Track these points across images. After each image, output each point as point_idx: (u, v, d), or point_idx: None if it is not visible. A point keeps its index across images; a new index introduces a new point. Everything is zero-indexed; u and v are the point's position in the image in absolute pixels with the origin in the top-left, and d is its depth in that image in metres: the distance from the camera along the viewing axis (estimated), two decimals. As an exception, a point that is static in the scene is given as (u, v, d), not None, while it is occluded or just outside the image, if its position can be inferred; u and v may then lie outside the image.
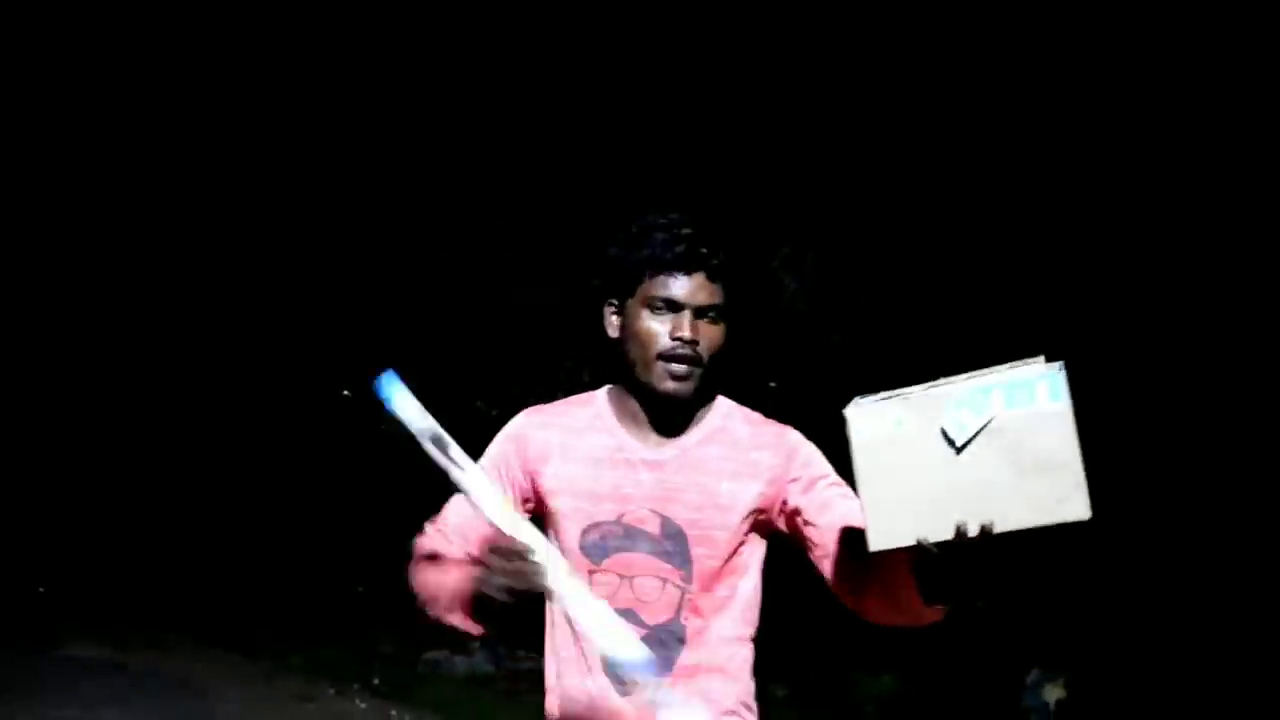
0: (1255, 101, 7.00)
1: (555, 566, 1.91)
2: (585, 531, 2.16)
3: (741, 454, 2.20)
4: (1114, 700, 6.96)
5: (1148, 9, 7.16)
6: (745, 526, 2.19)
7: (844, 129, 8.23)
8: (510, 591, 1.92)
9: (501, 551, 1.91)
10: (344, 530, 10.75)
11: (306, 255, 11.29)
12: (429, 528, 2.28)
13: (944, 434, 1.74)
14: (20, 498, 11.59)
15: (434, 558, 2.21)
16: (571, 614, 1.94)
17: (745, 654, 2.23)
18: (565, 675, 2.22)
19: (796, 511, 2.17)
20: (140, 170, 11.58)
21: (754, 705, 2.25)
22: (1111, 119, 7.40)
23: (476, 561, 2.01)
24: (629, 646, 1.91)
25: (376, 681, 8.27)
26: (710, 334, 2.14)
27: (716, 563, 2.17)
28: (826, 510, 2.13)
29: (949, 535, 1.75)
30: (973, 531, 1.75)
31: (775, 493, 2.19)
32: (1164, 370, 7.37)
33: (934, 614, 1.95)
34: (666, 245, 2.12)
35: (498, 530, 1.93)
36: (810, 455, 2.21)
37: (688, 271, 2.12)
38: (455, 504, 2.22)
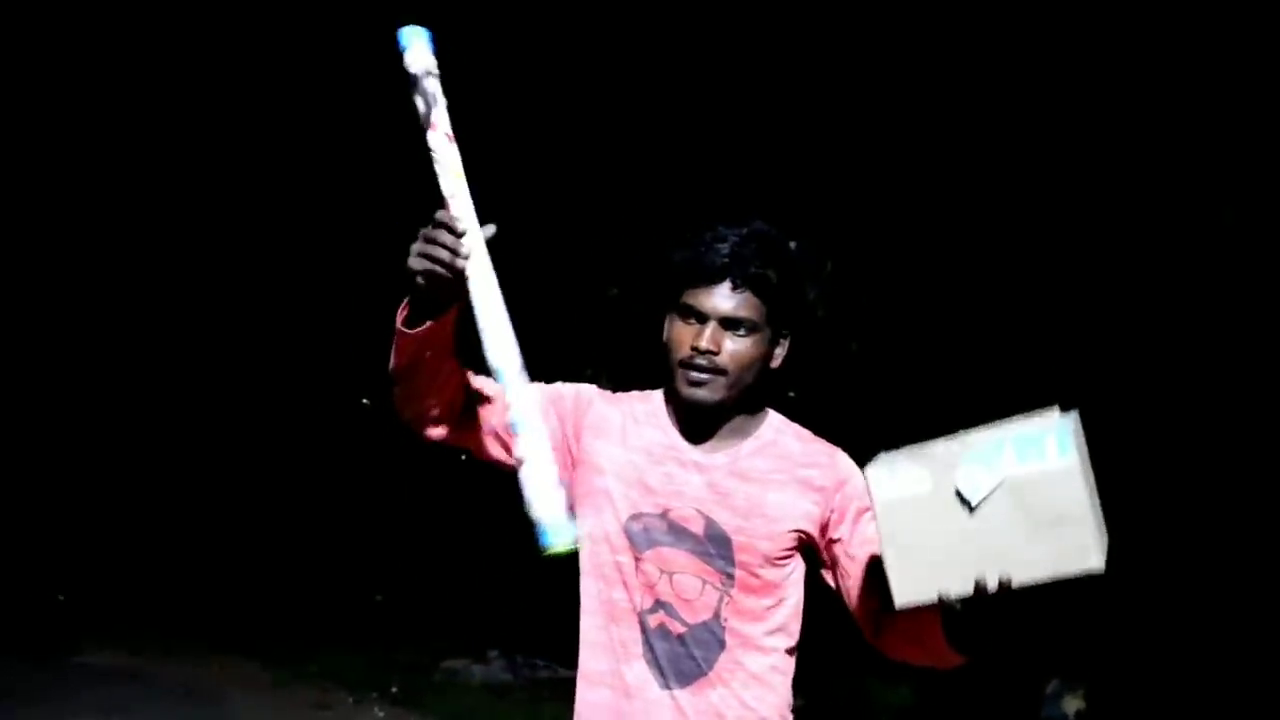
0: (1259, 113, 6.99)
1: (480, 256, 1.92)
2: (632, 518, 2.17)
3: (792, 469, 2.22)
4: (1134, 711, 6.93)
5: (1158, 15, 7.14)
6: (790, 540, 2.20)
7: (863, 138, 8.22)
8: (429, 261, 1.90)
9: (434, 221, 1.92)
10: (362, 538, 10.77)
11: (324, 263, 11.31)
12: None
13: (958, 493, 1.80)
14: (36, 505, 11.62)
15: None
16: (478, 311, 1.93)
17: (785, 665, 2.23)
18: (597, 661, 2.20)
19: (839, 540, 2.19)
20: (148, 171, 11.59)
21: (790, 718, 2.25)
22: (1129, 128, 7.38)
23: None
24: (526, 409, 1.93)
25: (394, 690, 8.26)
26: (736, 346, 2.14)
27: (760, 571, 2.18)
28: (866, 546, 2.15)
29: (969, 591, 1.82)
30: (992, 586, 1.82)
31: (822, 514, 2.20)
32: (1185, 390, 7.35)
33: (958, 659, 2.00)
34: (699, 255, 2.14)
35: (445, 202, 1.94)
36: (859, 485, 2.16)
37: (714, 282, 2.13)
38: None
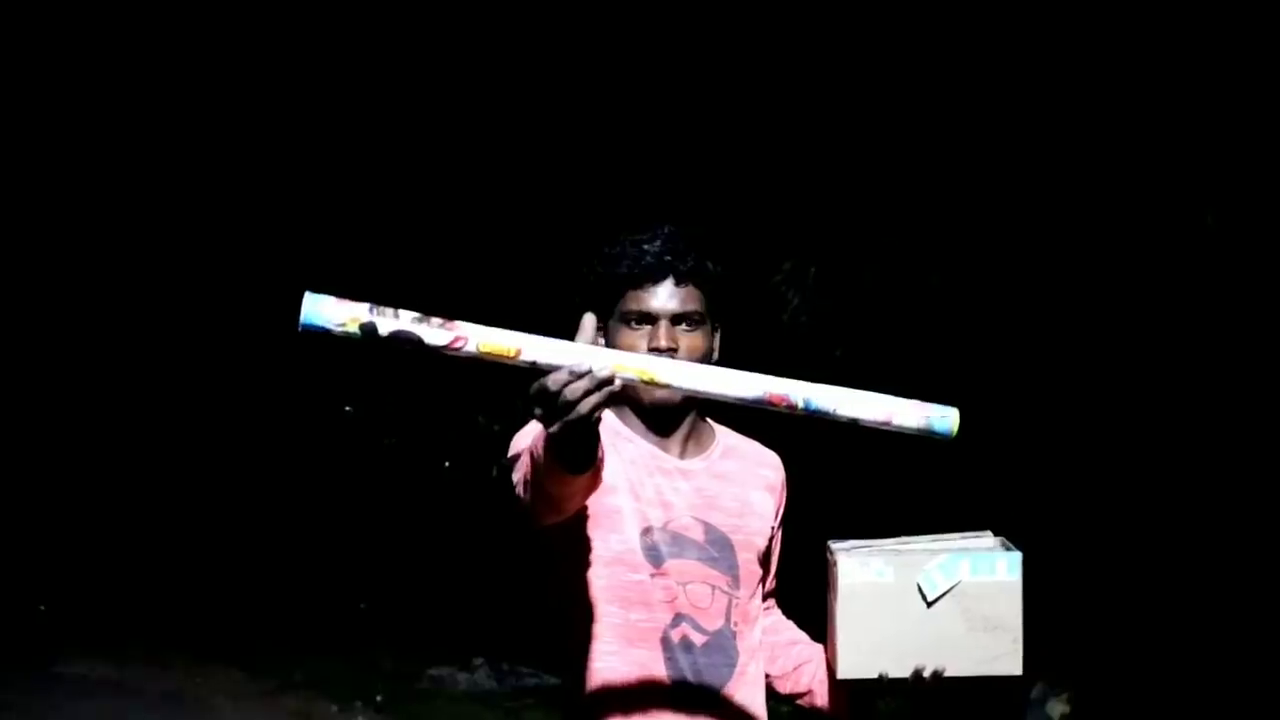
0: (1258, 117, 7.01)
1: (621, 359, 1.76)
2: (644, 533, 2.13)
3: (753, 469, 2.27)
4: (1119, 715, 6.94)
5: (1156, 23, 7.17)
6: (771, 535, 2.26)
7: (845, 144, 8.24)
8: (588, 404, 1.68)
9: (539, 393, 1.69)
10: (346, 546, 10.74)
11: (305, 270, 11.29)
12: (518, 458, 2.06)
13: (919, 588, 2.06)
14: (18, 514, 11.57)
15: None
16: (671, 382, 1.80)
17: (763, 660, 2.28)
18: (614, 688, 2.11)
19: (769, 538, 2.28)
20: (146, 172, 11.57)
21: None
22: (1119, 129, 7.40)
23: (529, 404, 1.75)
24: (734, 379, 1.83)
25: (379, 698, 8.24)
26: (690, 341, 2.13)
27: (757, 569, 2.22)
28: (774, 554, 2.32)
29: (906, 675, 2.08)
30: (926, 674, 2.08)
31: (775, 510, 2.28)
32: (1171, 387, 7.36)
33: (838, 709, 2.28)
34: (635, 259, 2.13)
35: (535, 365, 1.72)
36: (786, 498, 2.33)
37: (656, 282, 2.12)
38: (529, 434, 2.02)
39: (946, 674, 2.08)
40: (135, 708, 7.75)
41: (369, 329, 1.64)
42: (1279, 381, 7.00)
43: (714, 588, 2.13)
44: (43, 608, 10.33)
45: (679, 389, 1.81)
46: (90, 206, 11.76)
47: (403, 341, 1.67)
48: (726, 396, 1.80)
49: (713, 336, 2.18)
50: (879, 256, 8.14)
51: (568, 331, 1.78)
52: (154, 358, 12.13)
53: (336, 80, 10.47)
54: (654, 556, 2.11)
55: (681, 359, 2.06)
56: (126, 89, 11.17)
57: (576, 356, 1.69)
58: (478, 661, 8.85)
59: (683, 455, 2.19)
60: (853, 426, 1.85)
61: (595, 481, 1.90)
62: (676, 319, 2.12)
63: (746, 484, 2.22)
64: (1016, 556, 2.12)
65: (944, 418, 1.86)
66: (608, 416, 2.14)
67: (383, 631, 9.60)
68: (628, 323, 2.13)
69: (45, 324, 12.16)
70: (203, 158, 11.37)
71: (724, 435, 2.28)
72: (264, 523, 11.51)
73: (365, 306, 1.68)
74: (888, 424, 1.83)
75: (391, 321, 1.67)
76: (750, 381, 1.81)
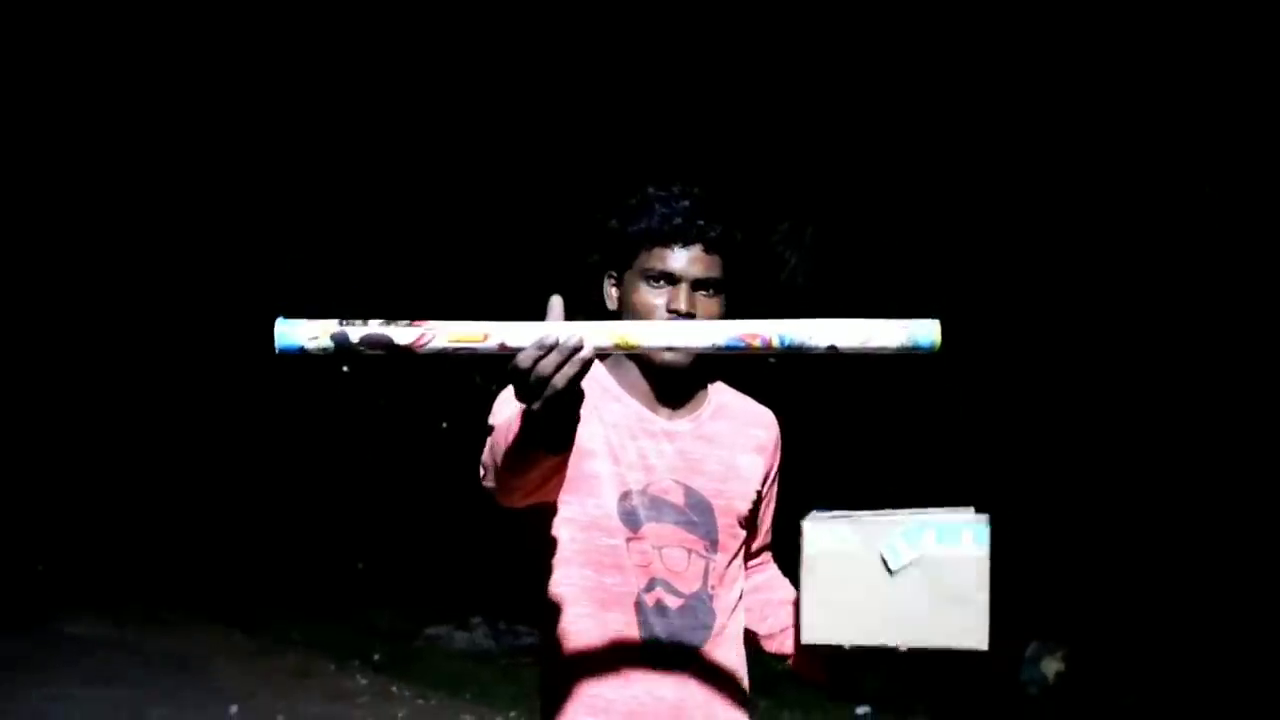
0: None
1: (588, 328, 1.73)
2: (621, 498, 2.13)
3: (744, 429, 2.25)
4: (1113, 673, 6.99)
5: (1146, 12, 7.17)
6: (755, 500, 2.24)
7: (842, 103, 8.22)
8: (563, 376, 1.68)
9: (531, 354, 1.68)
10: (343, 506, 10.77)
11: (301, 235, 11.30)
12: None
13: (882, 558, 2.03)
14: (16, 476, 11.60)
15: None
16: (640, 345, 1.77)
17: (742, 619, 2.27)
18: (588, 650, 2.13)
19: (760, 499, 2.26)
20: (144, 171, 11.59)
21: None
22: (1106, 110, 7.40)
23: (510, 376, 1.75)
24: (704, 329, 1.80)
25: (377, 657, 8.28)
26: (707, 307, 2.12)
27: (739, 533, 2.20)
28: (768, 511, 2.32)
29: (867, 643, 2.06)
30: (889, 644, 2.06)
31: (767, 471, 2.26)
32: (1155, 352, 7.39)
33: (815, 674, 2.25)
34: (665, 218, 2.10)
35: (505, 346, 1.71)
36: (780, 456, 2.31)
37: (685, 244, 2.10)
38: (505, 413, 2.01)
39: (907, 645, 2.06)
40: (135, 666, 7.79)
41: (340, 338, 1.67)
42: (1267, 353, 7.03)
43: (691, 552, 2.13)
44: (41, 568, 10.37)
45: (651, 347, 1.79)
46: (89, 200, 11.79)
47: (374, 344, 1.69)
48: (703, 347, 1.77)
49: (728, 305, 2.17)
50: (877, 217, 8.14)
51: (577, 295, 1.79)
52: (149, 323, 12.14)
53: (322, 74, 10.48)
54: (631, 521, 2.11)
55: (695, 316, 2.09)
56: (124, 94, 11.19)
57: (541, 331, 1.69)
58: (475, 620, 8.90)
59: (671, 416, 2.18)
60: (839, 359, 1.81)
61: (563, 467, 1.91)
62: (698, 284, 2.11)
63: (734, 446, 2.21)
64: (984, 529, 2.09)
65: (926, 332, 1.78)
66: (598, 373, 2.17)
67: (380, 591, 9.64)
68: (648, 280, 2.11)
69: (47, 301, 12.19)
70: (195, 155, 11.39)
71: (717, 394, 2.26)
72: (262, 484, 11.54)
73: (334, 321, 1.70)
74: (866, 346, 1.77)
75: (360, 329, 1.69)
76: (722, 328, 1.78)
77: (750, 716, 2.23)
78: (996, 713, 6.68)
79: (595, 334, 1.72)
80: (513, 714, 7.01)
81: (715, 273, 2.12)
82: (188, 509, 11.46)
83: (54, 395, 12.30)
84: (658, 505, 2.13)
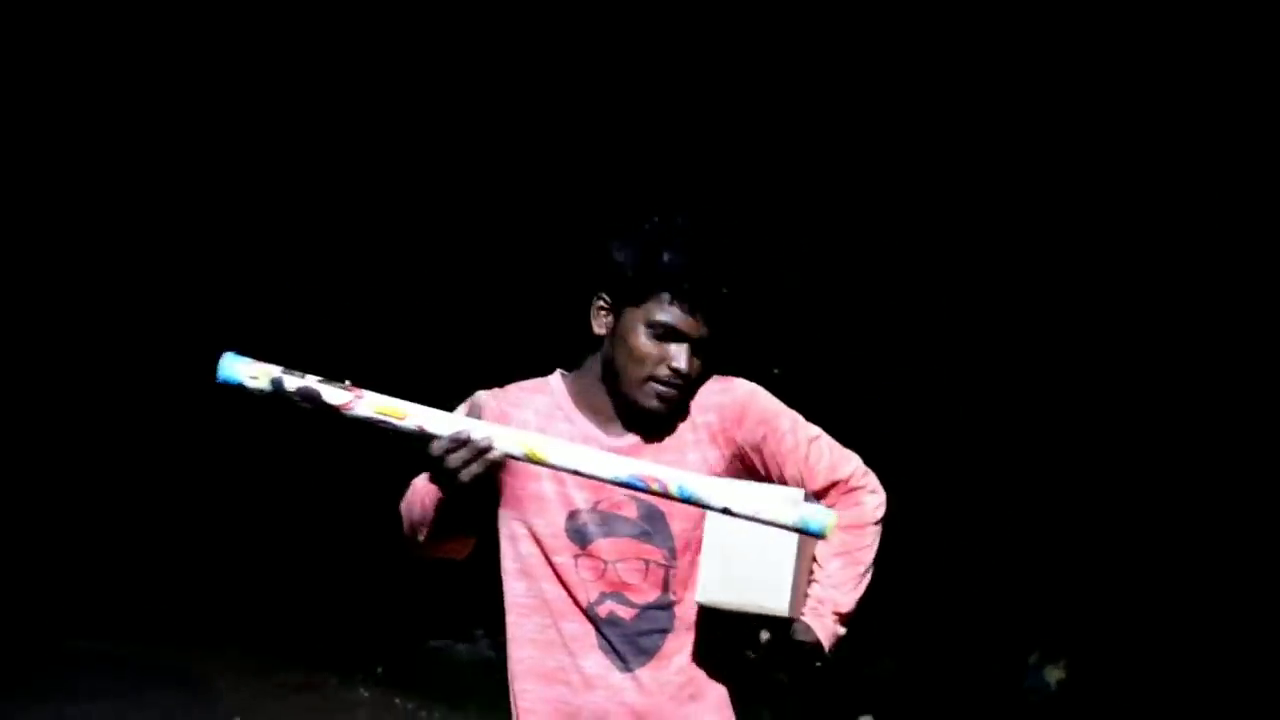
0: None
1: (501, 433, 1.94)
2: (570, 517, 2.16)
3: (696, 418, 2.22)
4: (1116, 681, 6.98)
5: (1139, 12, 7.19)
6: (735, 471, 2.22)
7: (838, 114, 8.24)
8: (462, 475, 1.93)
9: (428, 458, 1.94)
10: (345, 519, 10.76)
11: (307, 254, 11.34)
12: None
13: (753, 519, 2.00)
14: (19, 491, 11.59)
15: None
16: (558, 461, 1.94)
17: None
18: (547, 659, 2.19)
19: (771, 458, 2.21)
20: (144, 171, 11.60)
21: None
22: (1106, 114, 7.42)
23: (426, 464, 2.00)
24: (610, 461, 1.95)
25: (379, 670, 8.28)
26: (698, 366, 2.15)
27: (696, 532, 2.18)
28: (792, 462, 2.21)
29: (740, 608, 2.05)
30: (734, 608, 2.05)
31: (734, 452, 2.21)
32: (1156, 364, 7.40)
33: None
34: (682, 272, 2.10)
35: (426, 431, 1.93)
36: (764, 410, 2.22)
37: (696, 307, 2.11)
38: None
39: (724, 606, 2.05)
40: (139, 683, 7.79)
41: (277, 383, 1.79)
42: (1266, 343, 7.04)
43: (648, 563, 2.15)
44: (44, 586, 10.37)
45: (557, 466, 1.93)
46: (88, 194, 11.80)
47: (306, 398, 1.81)
48: (603, 478, 1.91)
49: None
50: (874, 229, 8.16)
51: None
52: (156, 341, 12.16)
53: (327, 74, 10.52)
54: (579, 538, 2.14)
55: (691, 377, 2.13)
56: (122, 97, 11.23)
57: (458, 426, 1.86)
58: (478, 632, 8.89)
59: (623, 432, 2.19)
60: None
61: (471, 542, 2.15)
62: (696, 344, 2.13)
63: (683, 447, 2.18)
64: (830, 520, 2.04)
65: (819, 518, 1.88)
66: (554, 386, 2.23)
67: (383, 603, 9.63)
68: (653, 330, 2.10)
69: (50, 307, 12.20)
70: (199, 148, 11.42)
71: None
72: (263, 497, 11.53)
73: (278, 367, 1.83)
74: (758, 516, 1.88)
75: (297, 380, 1.81)
76: (627, 465, 1.91)
77: (722, 714, 2.21)
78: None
79: (505, 440, 1.88)
80: (515, 726, 6.99)
81: (712, 330, 2.15)
82: (188, 523, 11.45)
83: (52, 411, 12.30)
84: (609, 521, 2.15)
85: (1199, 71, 7.08)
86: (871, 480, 2.26)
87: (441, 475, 1.92)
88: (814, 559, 2.18)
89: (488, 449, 1.88)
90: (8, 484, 11.54)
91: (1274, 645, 6.70)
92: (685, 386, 2.14)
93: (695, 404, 2.21)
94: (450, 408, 2.16)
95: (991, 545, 7.75)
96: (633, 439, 2.19)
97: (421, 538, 2.16)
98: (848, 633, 2.19)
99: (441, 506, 2.03)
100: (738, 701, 2.24)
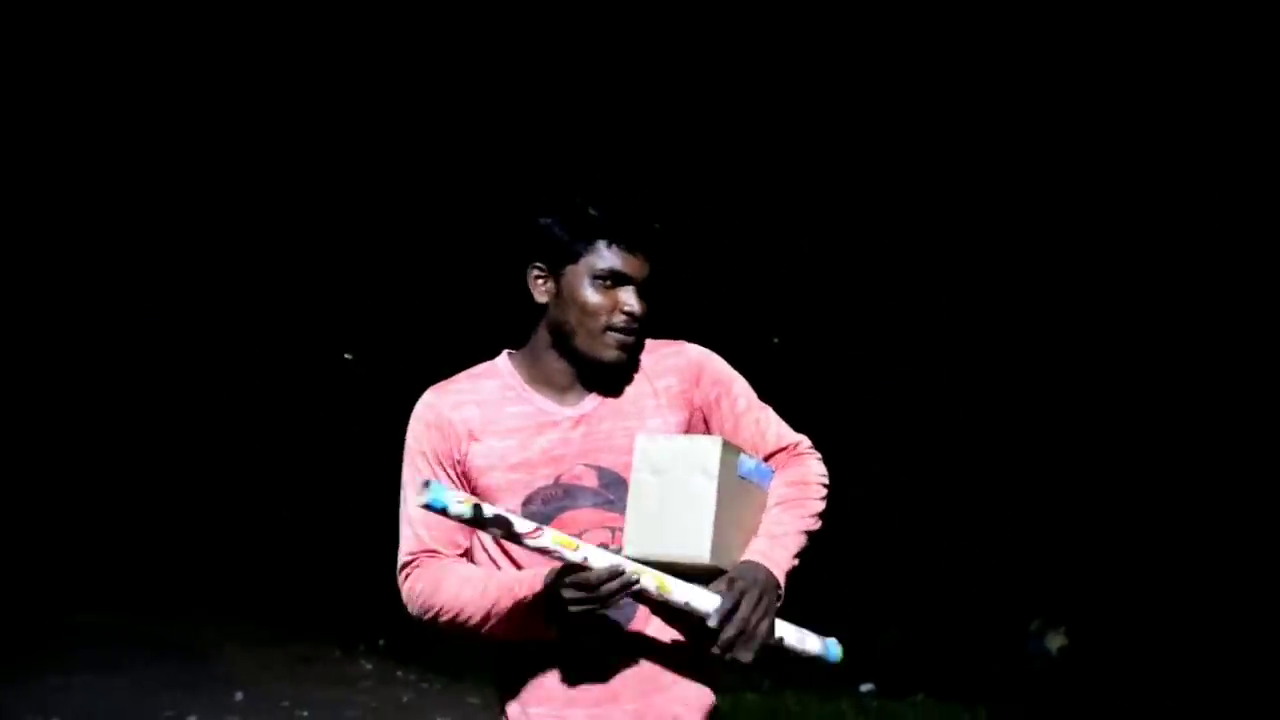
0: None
1: (634, 570, 2.00)
2: (526, 501, 2.15)
3: (651, 384, 2.22)
4: (1117, 647, 7.01)
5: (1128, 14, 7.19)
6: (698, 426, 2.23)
7: (837, 97, 8.25)
8: (595, 611, 1.99)
9: (580, 583, 1.96)
10: (348, 493, 10.78)
11: (301, 242, 11.40)
12: (410, 541, 2.23)
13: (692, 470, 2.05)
14: (27, 469, 11.62)
15: (438, 570, 2.22)
16: (674, 599, 2.01)
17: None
18: (522, 655, 2.19)
19: (720, 422, 2.23)
20: (143, 170, 11.63)
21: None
22: (1106, 113, 7.43)
23: (549, 590, 2.02)
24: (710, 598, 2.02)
25: (381, 642, 8.31)
26: (645, 306, 2.16)
27: None
28: (743, 425, 2.24)
29: (660, 556, 2.04)
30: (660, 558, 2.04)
31: (691, 413, 2.22)
32: (1150, 334, 7.42)
33: None
34: (619, 218, 2.13)
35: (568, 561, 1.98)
36: (718, 372, 2.25)
37: (634, 247, 2.13)
38: (419, 518, 2.20)
39: (651, 558, 2.04)
40: (142, 654, 7.82)
41: (476, 509, 1.93)
42: (1255, 333, 7.07)
43: (614, 529, 2.13)
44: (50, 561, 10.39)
45: (678, 603, 2.01)
46: (92, 179, 11.84)
47: (499, 524, 1.94)
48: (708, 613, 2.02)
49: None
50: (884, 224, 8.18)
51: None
52: (156, 318, 12.18)
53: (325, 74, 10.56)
54: (540, 518, 2.11)
55: (642, 318, 2.14)
56: (123, 100, 11.26)
57: (615, 562, 1.98)
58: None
59: (580, 399, 2.20)
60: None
61: None
62: (641, 285, 2.14)
63: (643, 410, 2.19)
64: (762, 468, 2.13)
65: (837, 650, 2.12)
66: (502, 368, 2.23)
67: (386, 577, 9.65)
68: (598, 279, 2.12)
69: (54, 302, 12.24)
70: (192, 162, 11.48)
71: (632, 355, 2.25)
72: (268, 472, 11.56)
73: (474, 498, 1.98)
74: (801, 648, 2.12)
75: (493, 509, 1.95)
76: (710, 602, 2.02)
77: (704, 677, 2.21)
78: (1000, 688, 6.70)
79: (647, 578, 1.99)
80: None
81: (651, 268, 2.16)
82: (194, 500, 11.48)
83: (60, 392, 12.32)
84: (572, 493, 2.15)
85: (1199, 71, 7.08)
86: (817, 454, 2.29)
87: (591, 598, 1.96)
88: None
89: (634, 583, 1.96)
90: (12, 462, 11.57)
91: (1271, 611, 6.73)
92: (640, 329, 2.16)
93: (651, 369, 2.23)
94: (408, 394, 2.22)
95: (993, 515, 7.77)
96: (593, 401, 2.19)
97: (484, 629, 2.17)
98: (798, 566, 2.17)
99: (562, 621, 2.03)
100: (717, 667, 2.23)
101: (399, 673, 7.66)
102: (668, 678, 2.16)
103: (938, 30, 7.88)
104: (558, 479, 2.15)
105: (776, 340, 8.12)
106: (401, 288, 10.79)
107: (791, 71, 8.36)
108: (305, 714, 6.65)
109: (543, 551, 1.95)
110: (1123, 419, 7.56)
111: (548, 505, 2.14)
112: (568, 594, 1.96)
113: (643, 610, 2.14)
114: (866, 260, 8.30)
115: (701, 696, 2.20)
